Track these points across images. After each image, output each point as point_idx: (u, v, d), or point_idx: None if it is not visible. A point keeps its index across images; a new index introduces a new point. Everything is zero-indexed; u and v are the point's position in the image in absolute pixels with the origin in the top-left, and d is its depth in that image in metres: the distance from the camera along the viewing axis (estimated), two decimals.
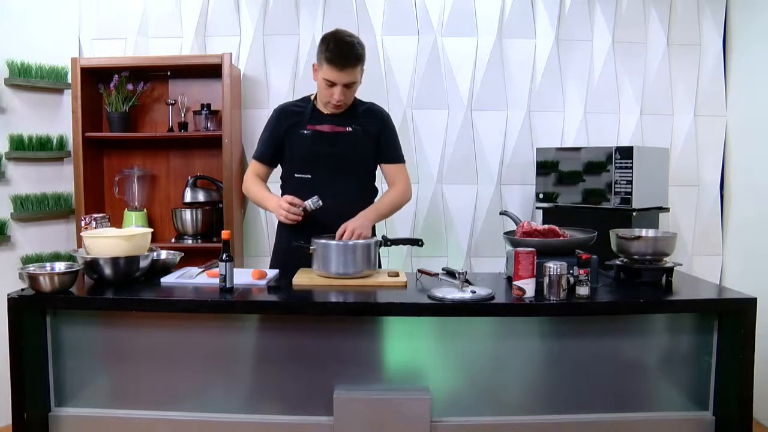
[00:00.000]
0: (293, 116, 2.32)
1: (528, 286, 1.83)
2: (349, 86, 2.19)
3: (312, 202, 2.12)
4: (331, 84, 2.16)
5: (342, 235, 2.10)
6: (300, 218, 2.13)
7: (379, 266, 2.33)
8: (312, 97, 2.34)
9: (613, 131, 3.42)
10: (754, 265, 3.16)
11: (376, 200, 2.36)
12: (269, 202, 2.25)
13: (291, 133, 2.30)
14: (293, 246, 2.12)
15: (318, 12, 3.34)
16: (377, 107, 2.41)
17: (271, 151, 2.35)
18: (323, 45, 2.15)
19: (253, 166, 2.39)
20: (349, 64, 2.13)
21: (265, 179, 2.40)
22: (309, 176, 2.29)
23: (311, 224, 2.18)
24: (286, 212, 2.11)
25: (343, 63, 2.12)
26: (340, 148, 2.27)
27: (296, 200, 2.13)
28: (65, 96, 3.21)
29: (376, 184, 2.43)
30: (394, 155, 2.39)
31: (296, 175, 2.31)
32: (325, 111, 2.29)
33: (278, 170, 2.44)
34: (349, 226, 2.12)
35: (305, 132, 2.27)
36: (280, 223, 2.41)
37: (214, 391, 1.95)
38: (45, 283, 1.84)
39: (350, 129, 2.28)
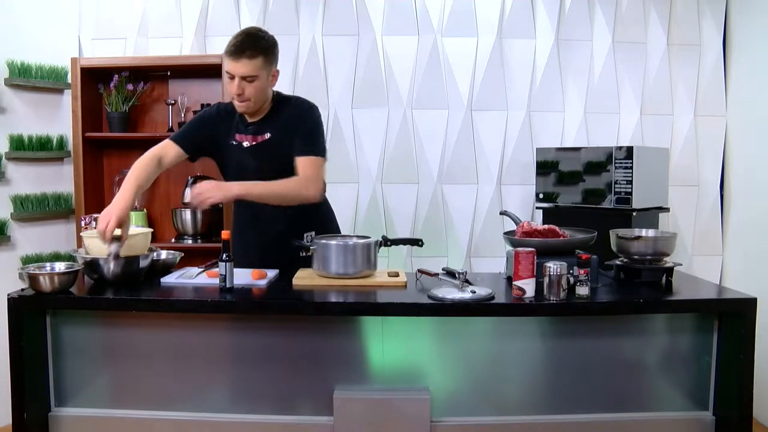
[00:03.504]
0: (228, 118, 2.23)
1: (528, 286, 1.83)
2: (250, 80, 2.06)
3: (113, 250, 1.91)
4: (231, 77, 2.07)
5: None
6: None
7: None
8: None
9: (613, 131, 3.42)
10: (754, 265, 3.16)
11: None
12: (115, 200, 1.97)
13: (224, 138, 2.23)
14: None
15: (318, 12, 3.34)
16: (299, 101, 2.26)
17: (193, 142, 2.21)
18: (229, 39, 2.10)
19: (165, 146, 2.18)
20: (245, 54, 2.03)
21: (168, 165, 2.19)
22: None
23: (261, 231, 2.23)
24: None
25: (239, 53, 2.03)
26: (261, 160, 2.19)
27: (115, 234, 1.89)
28: (65, 96, 3.21)
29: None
30: (302, 147, 2.16)
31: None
32: (237, 108, 2.17)
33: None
34: (201, 187, 2.04)
35: (233, 143, 2.21)
36: (233, 225, 2.40)
37: (214, 391, 1.95)
38: (45, 283, 1.84)
39: (269, 135, 2.18)
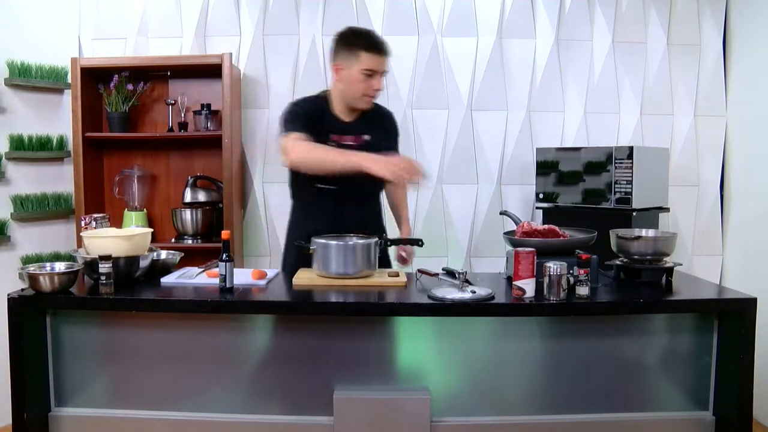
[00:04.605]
0: (321, 116, 2.22)
1: (528, 286, 1.83)
2: (383, 75, 2.21)
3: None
4: (371, 73, 2.15)
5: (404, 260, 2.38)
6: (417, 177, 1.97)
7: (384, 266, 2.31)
8: (325, 98, 2.27)
9: (613, 131, 3.42)
10: (754, 265, 3.16)
11: (399, 209, 2.49)
12: (366, 161, 1.97)
13: (317, 135, 2.15)
14: (295, 246, 2.12)
15: (318, 12, 3.34)
16: (384, 108, 2.42)
17: (309, 132, 2.16)
18: (352, 39, 2.17)
19: (301, 137, 2.12)
20: (387, 48, 2.18)
21: None
22: (335, 187, 2.21)
23: (342, 230, 2.18)
24: (405, 170, 1.93)
25: (384, 48, 2.17)
26: None
27: (104, 254, 1.85)
28: (65, 96, 3.21)
29: None
30: (395, 147, 2.40)
31: (319, 185, 2.22)
32: (362, 105, 2.22)
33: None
34: (408, 251, 2.37)
35: (331, 143, 2.19)
36: (292, 225, 2.38)
37: (214, 391, 1.94)
38: (45, 283, 1.84)
39: (368, 137, 2.25)
